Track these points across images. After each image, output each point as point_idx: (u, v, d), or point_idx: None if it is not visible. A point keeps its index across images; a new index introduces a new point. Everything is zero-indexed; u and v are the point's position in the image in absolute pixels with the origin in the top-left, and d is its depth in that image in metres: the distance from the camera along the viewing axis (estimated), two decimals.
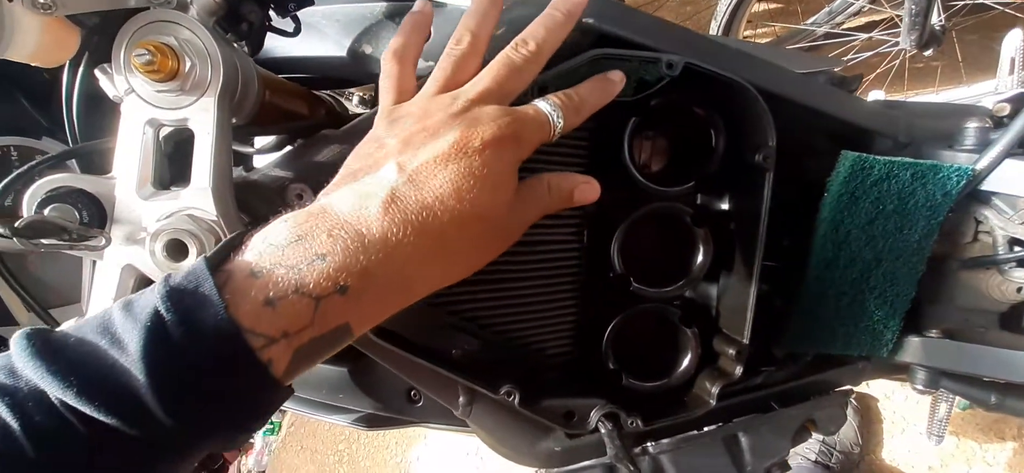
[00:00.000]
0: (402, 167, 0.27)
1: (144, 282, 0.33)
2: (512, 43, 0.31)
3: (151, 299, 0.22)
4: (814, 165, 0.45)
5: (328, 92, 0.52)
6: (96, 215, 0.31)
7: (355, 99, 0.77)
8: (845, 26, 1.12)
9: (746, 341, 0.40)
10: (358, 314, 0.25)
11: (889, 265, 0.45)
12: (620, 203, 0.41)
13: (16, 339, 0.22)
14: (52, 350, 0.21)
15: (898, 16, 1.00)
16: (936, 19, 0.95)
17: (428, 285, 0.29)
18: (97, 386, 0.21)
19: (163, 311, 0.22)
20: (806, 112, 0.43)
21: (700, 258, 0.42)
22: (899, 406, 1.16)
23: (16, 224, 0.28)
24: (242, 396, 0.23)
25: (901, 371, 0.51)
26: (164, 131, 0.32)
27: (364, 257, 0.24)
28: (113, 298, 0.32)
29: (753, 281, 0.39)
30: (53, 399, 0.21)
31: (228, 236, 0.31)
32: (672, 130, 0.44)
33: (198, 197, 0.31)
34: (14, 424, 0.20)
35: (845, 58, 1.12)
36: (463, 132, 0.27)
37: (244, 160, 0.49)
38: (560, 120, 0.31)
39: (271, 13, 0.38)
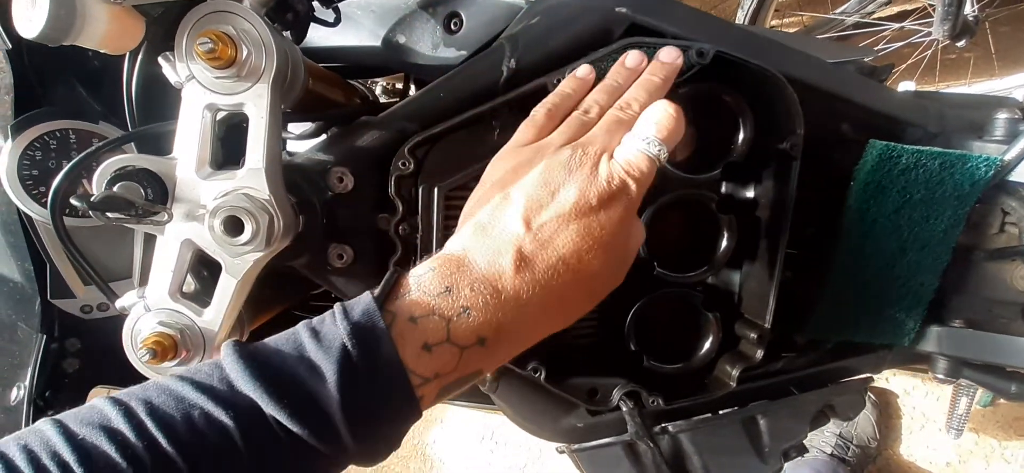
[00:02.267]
0: (528, 223, 0.29)
1: (200, 256, 0.35)
2: (617, 104, 0.34)
3: (338, 333, 0.27)
4: (842, 154, 0.45)
5: (358, 81, 0.54)
6: (159, 193, 0.33)
7: (379, 88, 0.79)
8: (876, 16, 1.10)
9: (768, 326, 0.41)
10: (491, 362, 0.30)
11: (914, 255, 0.45)
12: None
13: (227, 350, 0.27)
14: (263, 370, 0.26)
15: (931, 6, 0.97)
16: (970, 9, 0.92)
17: (546, 333, 0.31)
18: (303, 411, 0.26)
19: (350, 347, 0.26)
20: (835, 101, 0.43)
21: (724, 244, 0.43)
22: (919, 402, 1.15)
23: (91, 199, 0.30)
24: (401, 424, 0.28)
25: (922, 360, 0.51)
26: (220, 115, 0.34)
27: (501, 314, 0.28)
28: (172, 270, 0.35)
29: (777, 268, 0.40)
30: (268, 415, 0.25)
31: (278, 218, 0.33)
32: (700, 118, 0.45)
33: (252, 177, 0.33)
34: (235, 433, 0.25)
35: (876, 48, 1.10)
36: (582, 192, 0.29)
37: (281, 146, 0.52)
38: (662, 152, 0.32)
39: (314, 3, 0.40)
